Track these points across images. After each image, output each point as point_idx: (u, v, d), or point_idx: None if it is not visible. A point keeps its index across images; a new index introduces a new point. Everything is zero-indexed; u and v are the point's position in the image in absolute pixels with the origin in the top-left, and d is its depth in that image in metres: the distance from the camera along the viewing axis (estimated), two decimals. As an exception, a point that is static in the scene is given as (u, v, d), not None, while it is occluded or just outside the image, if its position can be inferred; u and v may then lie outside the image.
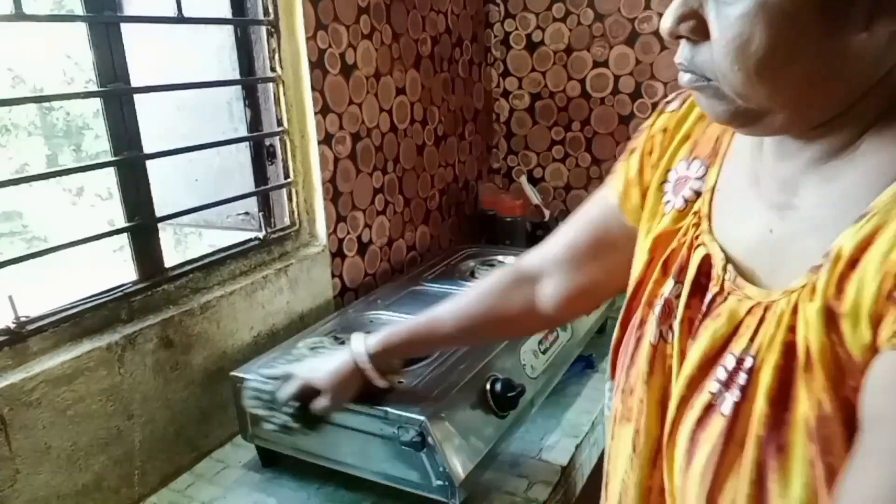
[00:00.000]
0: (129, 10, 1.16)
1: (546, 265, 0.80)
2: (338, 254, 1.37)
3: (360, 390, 0.87)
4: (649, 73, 1.75)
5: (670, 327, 0.56)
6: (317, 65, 1.26)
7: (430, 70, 1.64)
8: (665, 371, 0.56)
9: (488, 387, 0.97)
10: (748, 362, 0.48)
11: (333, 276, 1.36)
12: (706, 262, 0.55)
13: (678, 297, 0.56)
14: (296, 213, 1.31)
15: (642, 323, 0.59)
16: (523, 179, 1.88)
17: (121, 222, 1.02)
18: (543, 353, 1.14)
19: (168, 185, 1.28)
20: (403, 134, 1.55)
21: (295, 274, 1.25)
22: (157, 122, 1.24)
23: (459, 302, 0.84)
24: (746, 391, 0.47)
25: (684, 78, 0.49)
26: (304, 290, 1.27)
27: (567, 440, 1.06)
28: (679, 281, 0.56)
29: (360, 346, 0.86)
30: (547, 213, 1.84)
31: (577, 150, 1.90)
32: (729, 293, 0.51)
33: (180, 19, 1.04)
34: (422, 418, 0.85)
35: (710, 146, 0.60)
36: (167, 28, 1.17)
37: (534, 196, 1.84)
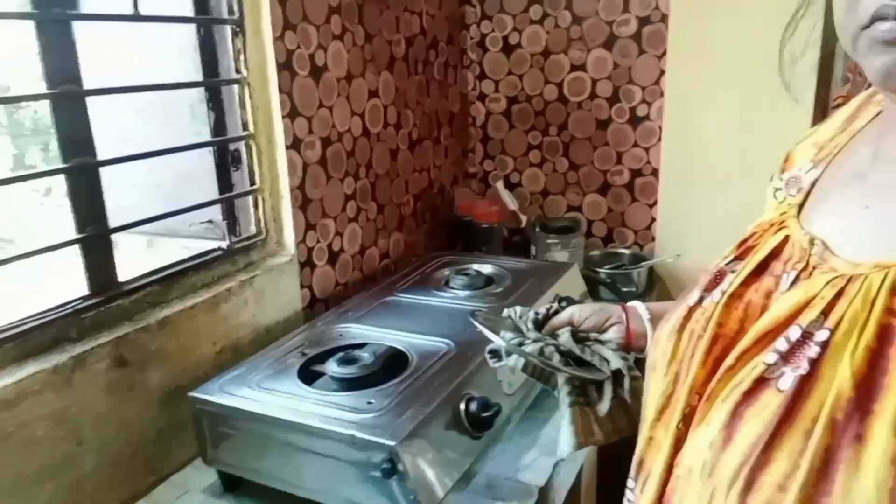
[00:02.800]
0: (84, 8, 1.10)
1: None
2: (307, 263, 1.32)
3: (601, 325, 0.84)
4: (627, 77, 1.73)
5: (712, 296, 0.56)
6: (284, 66, 1.20)
7: (405, 72, 1.59)
8: (690, 334, 0.56)
9: (463, 406, 0.93)
10: (821, 335, 0.44)
11: (302, 286, 1.31)
12: (783, 245, 0.54)
13: (733, 271, 0.56)
14: (262, 221, 1.25)
15: (689, 290, 0.60)
16: (500, 184, 1.85)
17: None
18: (512, 367, 1.10)
19: (126, 192, 1.22)
20: (376, 138, 1.50)
21: (261, 285, 1.19)
22: (115, 126, 1.18)
23: None
24: (817, 367, 0.43)
25: (894, 29, 0.43)
26: (270, 302, 1.22)
27: (544, 459, 1.02)
28: (739, 257, 0.57)
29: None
30: (524, 218, 1.81)
31: (555, 154, 1.87)
32: (814, 269, 0.49)
33: (136, 17, 0.98)
34: (391, 443, 0.81)
35: (828, 151, 0.59)
36: (127, 27, 1.11)
37: (510, 201, 1.81)
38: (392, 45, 1.53)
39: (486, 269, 1.43)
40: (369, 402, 0.90)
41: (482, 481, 0.97)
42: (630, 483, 0.60)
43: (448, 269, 1.43)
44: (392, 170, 1.58)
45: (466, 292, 1.31)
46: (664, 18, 1.64)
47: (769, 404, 0.45)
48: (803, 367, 0.44)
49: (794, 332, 0.46)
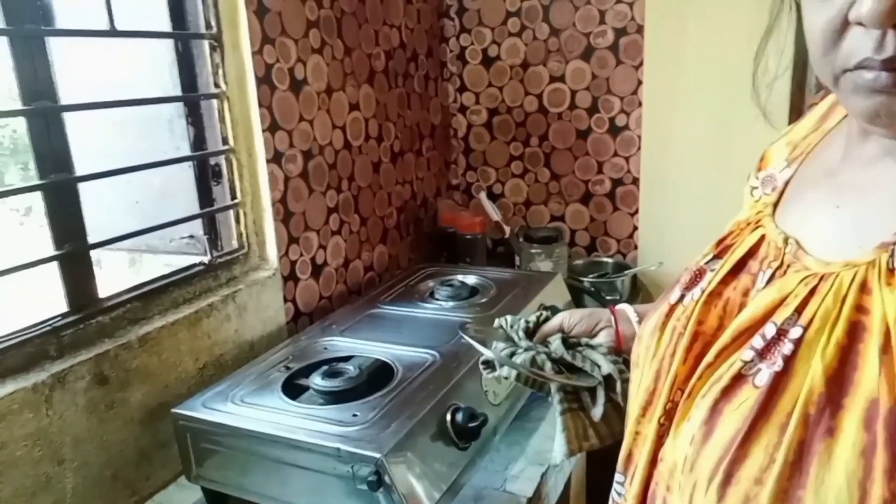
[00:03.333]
0: (60, 23, 1.09)
1: None
2: (290, 277, 1.31)
3: (591, 330, 0.83)
4: (605, 87, 1.75)
5: (692, 294, 0.57)
6: (264, 80, 1.20)
7: (385, 85, 1.60)
8: (672, 331, 0.56)
9: (449, 417, 0.92)
10: (795, 332, 0.45)
11: (286, 300, 1.30)
12: (759, 243, 0.55)
13: (712, 270, 0.57)
14: (244, 235, 1.24)
15: (671, 288, 0.61)
16: (483, 196, 1.85)
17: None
18: (506, 377, 1.10)
19: (106, 208, 1.21)
20: (358, 151, 1.50)
21: (244, 300, 1.18)
22: (93, 141, 1.17)
23: None
24: (791, 363, 0.45)
25: (880, 78, 0.43)
26: (253, 317, 1.21)
27: (532, 469, 1.02)
28: (718, 256, 0.58)
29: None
30: (507, 229, 1.82)
31: (536, 165, 1.88)
32: (788, 267, 0.51)
33: (112, 33, 0.98)
34: (377, 456, 0.80)
35: (801, 150, 0.60)
36: (105, 42, 1.10)
37: (494, 212, 1.81)
38: (372, 59, 1.53)
39: (471, 279, 1.43)
40: (354, 415, 0.90)
41: (470, 493, 0.96)
42: (619, 477, 0.61)
43: (432, 281, 1.43)
44: (374, 182, 1.58)
45: (451, 303, 1.31)
46: (640, 29, 1.66)
47: (746, 399, 0.46)
48: (778, 364, 0.45)
49: (769, 330, 0.47)
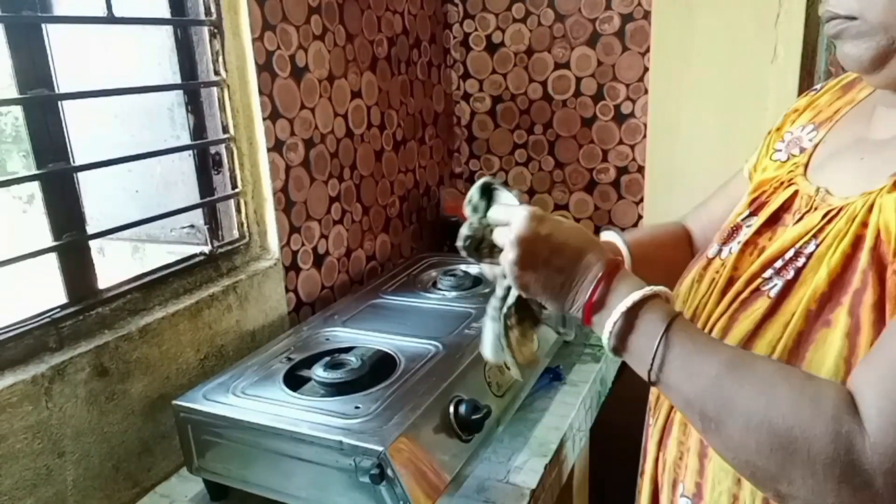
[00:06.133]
0: (57, 11, 1.07)
1: (693, 223, 0.89)
2: (292, 267, 1.30)
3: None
4: (611, 74, 1.72)
5: (730, 247, 0.62)
6: (264, 67, 1.18)
7: (388, 72, 1.58)
8: (710, 282, 0.62)
9: (452, 409, 0.92)
10: (810, 248, 0.53)
11: (288, 290, 1.28)
12: (792, 198, 0.60)
13: (748, 226, 0.62)
14: (245, 224, 1.23)
15: (708, 245, 0.67)
16: (486, 184, 1.83)
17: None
18: (510, 368, 1.09)
19: (106, 198, 1.20)
20: (360, 139, 1.49)
21: (245, 290, 1.17)
22: (94, 132, 1.16)
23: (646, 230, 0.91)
24: (801, 272, 0.52)
25: (831, 25, 0.53)
26: (255, 307, 1.20)
27: (535, 460, 1.01)
28: (753, 213, 0.63)
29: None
30: (510, 218, 1.80)
31: (540, 153, 1.86)
32: (816, 208, 0.57)
33: (110, 19, 0.96)
34: (380, 449, 0.79)
35: (827, 115, 0.65)
36: (102, 29, 1.09)
37: (497, 201, 1.79)
38: (374, 45, 1.51)
39: (474, 269, 1.42)
40: (357, 407, 0.89)
41: (473, 484, 0.96)
42: (650, 420, 0.68)
43: (435, 271, 1.42)
44: (377, 171, 1.56)
45: (454, 293, 1.30)
46: (647, 15, 1.64)
47: (759, 308, 0.53)
48: (790, 275, 0.53)
49: (789, 253, 0.55)
